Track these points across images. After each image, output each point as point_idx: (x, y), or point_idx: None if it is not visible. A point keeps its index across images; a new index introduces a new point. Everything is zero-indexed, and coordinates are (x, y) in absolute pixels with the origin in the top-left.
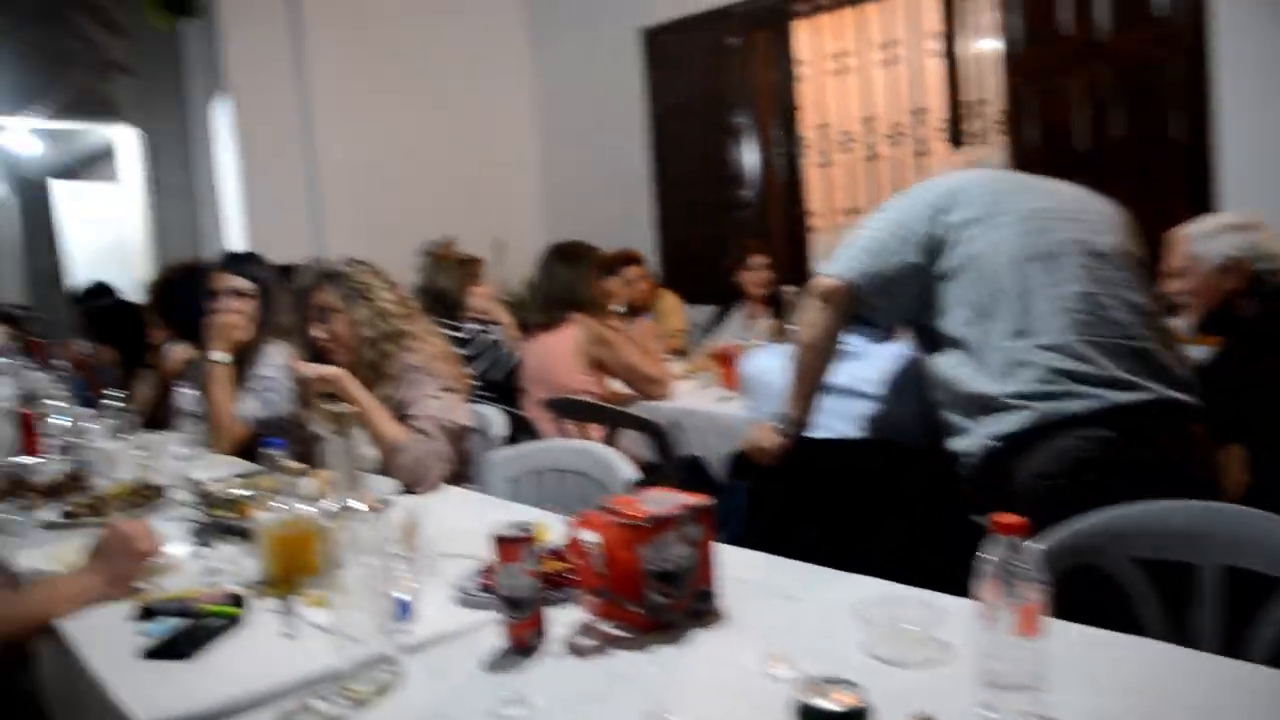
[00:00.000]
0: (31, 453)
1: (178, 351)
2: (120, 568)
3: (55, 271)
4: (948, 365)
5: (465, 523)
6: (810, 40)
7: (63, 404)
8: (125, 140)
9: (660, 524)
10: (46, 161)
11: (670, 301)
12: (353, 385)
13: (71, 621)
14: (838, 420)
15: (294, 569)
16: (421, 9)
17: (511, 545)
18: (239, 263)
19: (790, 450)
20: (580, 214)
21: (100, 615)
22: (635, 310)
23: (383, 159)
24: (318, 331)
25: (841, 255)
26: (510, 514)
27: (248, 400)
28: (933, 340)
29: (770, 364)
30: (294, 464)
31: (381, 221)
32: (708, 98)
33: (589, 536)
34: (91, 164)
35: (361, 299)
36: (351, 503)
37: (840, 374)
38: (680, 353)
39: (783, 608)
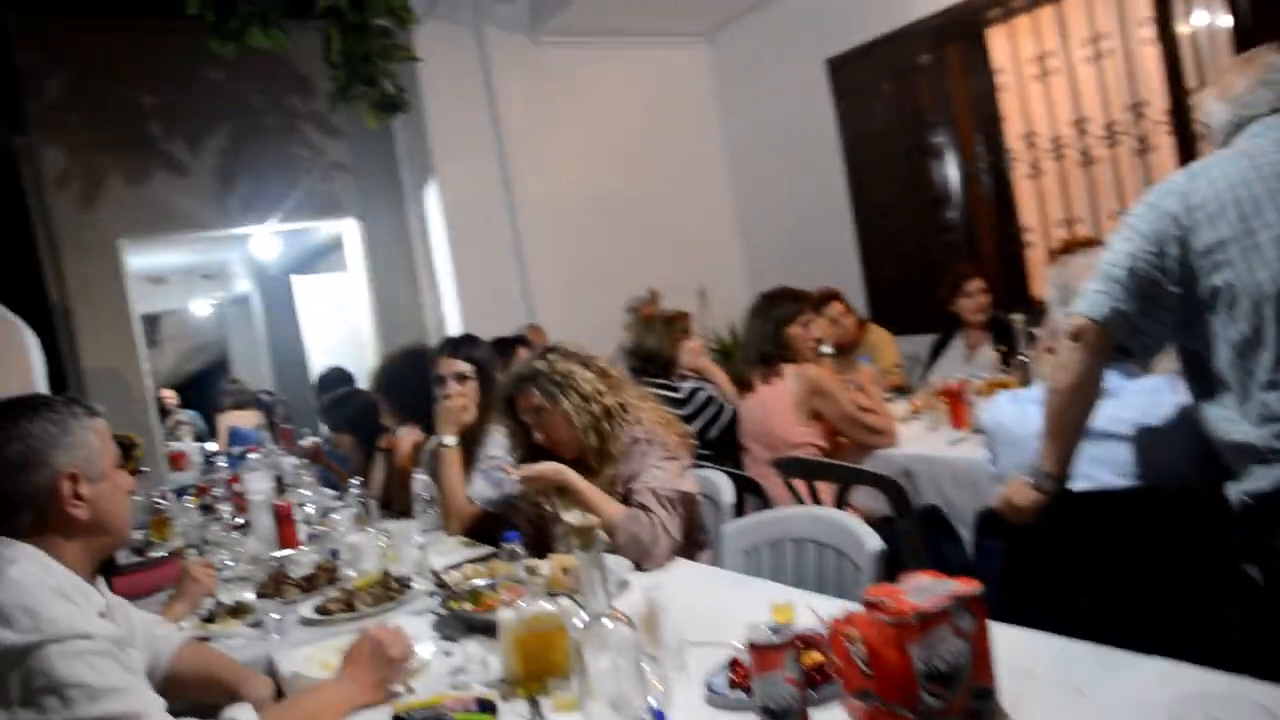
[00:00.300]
0: (289, 545)
1: (406, 436)
2: (376, 674)
3: (299, 360)
4: (1210, 406)
5: (704, 600)
6: (1007, 46)
7: (310, 493)
8: (350, 232)
9: (930, 619)
10: (285, 259)
11: (880, 336)
12: (570, 476)
13: None
14: (1095, 468)
15: (540, 669)
16: (609, 69)
17: (770, 653)
18: (458, 346)
19: (1047, 506)
20: (780, 253)
21: None
22: (843, 349)
23: (581, 220)
24: (538, 436)
25: (1089, 290)
26: (750, 591)
27: (477, 481)
28: (1201, 373)
29: (1014, 411)
30: (534, 560)
31: (586, 281)
32: (902, 120)
33: (850, 633)
34: (324, 258)
35: (564, 390)
36: (604, 620)
37: (1096, 416)
38: (900, 389)
39: (1076, 705)
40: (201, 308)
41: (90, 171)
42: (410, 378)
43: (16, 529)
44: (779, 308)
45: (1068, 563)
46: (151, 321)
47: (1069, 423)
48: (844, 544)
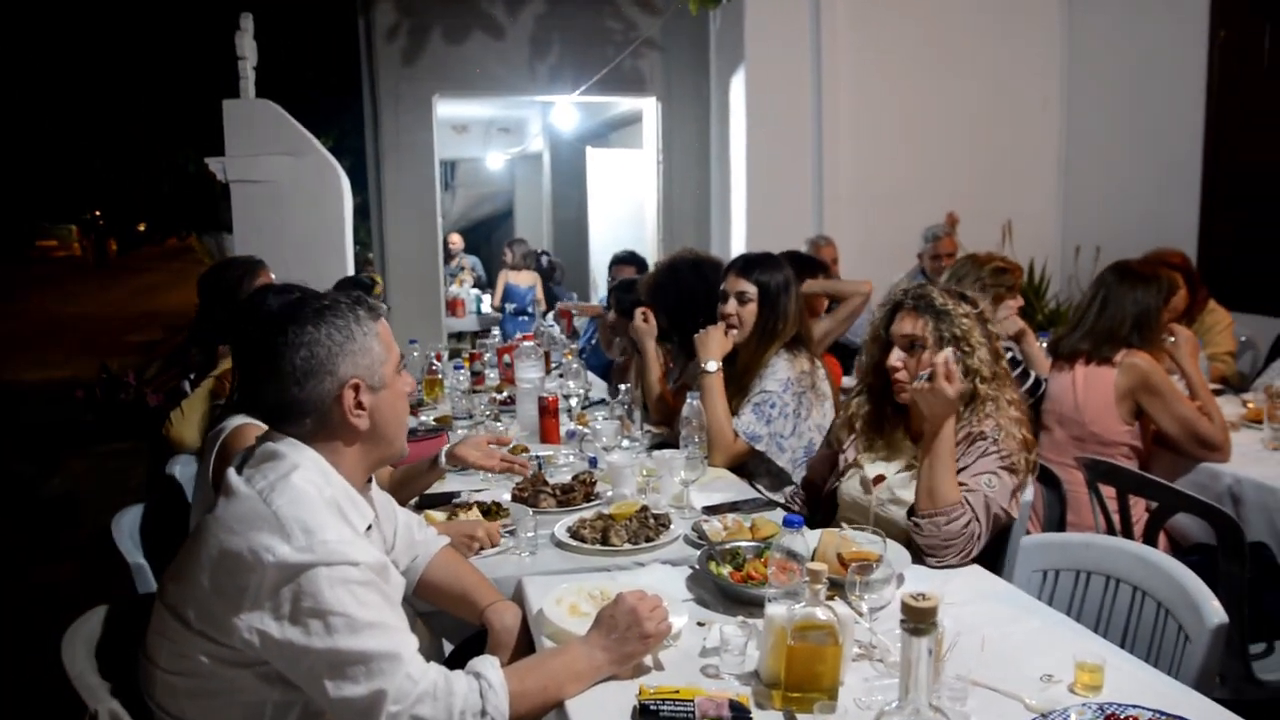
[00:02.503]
0: (551, 439)
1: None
2: (627, 648)
3: (580, 228)
4: None
5: (992, 627)
6: None
7: (575, 385)
8: (650, 111)
9: None
10: (580, 128)
11: (1218, 318)
12: (947, 445)
13: (577, 709)
14: None
15: (804, 682)
16: None
17: None
18: (750, 265)
19: None
20: (1103, 198)
21: (602, 703)
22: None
23: (890, 131)
24: (895, 362)
25: None
26: (1046, 625)
27: (746, 413)
28: None
29: None
30: (816, 565)
31: (883, 198)
32: None
33: None
34: (617, 131)
35: (956, 346)
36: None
37: None
38: (1226, 383)
39: None
40: (495, 160)
41: (415, 27)
42: (685, 286)
43: (301, 433)
44: (1144, 283)
45: None
46: (449, 167)
47: None
48: (1175, 603)
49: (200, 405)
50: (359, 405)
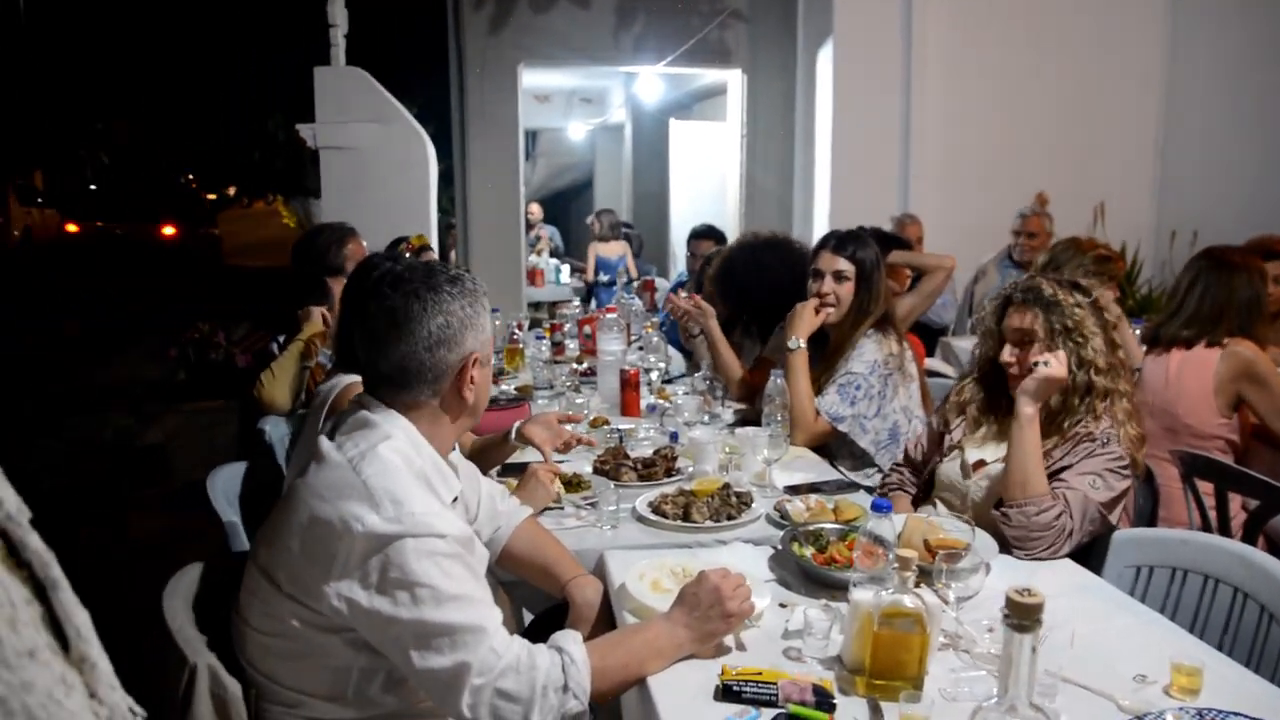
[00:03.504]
0: (631, 412)
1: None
2: (709, 626)
3: (660, 200)
4: None
5: (1083, 625)
6: None
7: (657, 358)
8: (735, 84)
9: None
10: (663, 99)
11: None
12: (1033, 433)
13: (659, 686)
14: None
15: (889, 670)
16: None
17: None
18: (846, 242)
19: None
20: (1202, 182)
21: (684, 681)
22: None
23: (980, 108)
24: (1009, 357)
25: None
26: (1141, 624)
27: (830, 394)
28: None
29: None
30: (906, 551)
31: (972, 175)
32: None
33: None
34: (700, 104)
35: (1069, 337)
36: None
37: None
38: None
39: None
40: (577, 130)
41: None
42: (760, 266)
43: (406, 401)
44: (1254, 274)
45: None
46: (531, 136)
47: None
48: (1279, 607)
49: (291, 367)
50: (472, 380)
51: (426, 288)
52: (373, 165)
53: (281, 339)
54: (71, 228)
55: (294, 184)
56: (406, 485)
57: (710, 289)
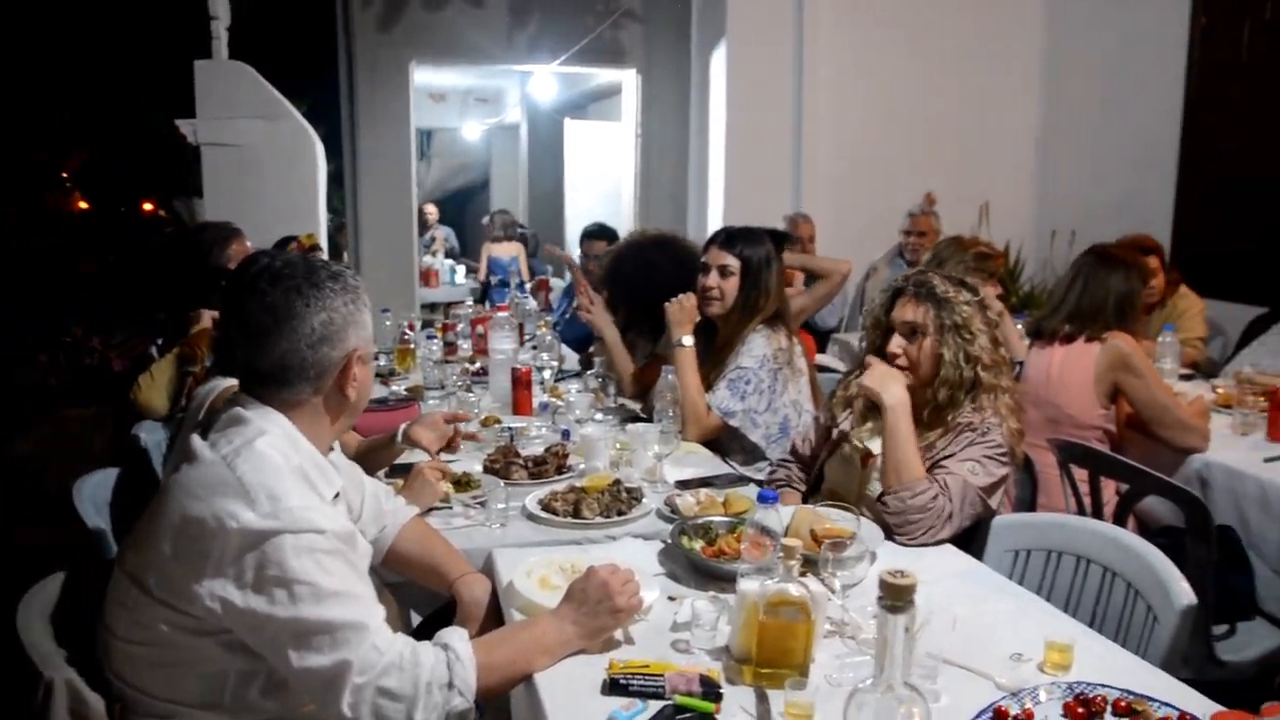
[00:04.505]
0: (523, 411)
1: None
2: (597, 621)
3: (556, 200)
4: None
5: (964, 608)
6: None
7: (549, 357)
8: (629, 84)
9: None
10: (558, 99)
11: (1190, 303)
12: (904, 419)
13: (546, 682)
14: None
15: (775, 658)
16: None
17: None
18: (734, 239)
19: None
20: (1080, 182)
21: (572, 676)
22: (1146, 309)
23: (870, 110)
24: (895, 348)
25: None
26: (1020, 606)
27: (720, 389)
28: None
29: None
30: (790, 541)
31: (862, 175)
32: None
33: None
34: (595, 104)
35: (957, 333)
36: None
37: None
38: (1197, 367)
39: None
40: (473, 130)
41: None
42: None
43: (285, 399)
44: (1133, 271)
45: None
46: (426, 136)
47: None
48: (1144, 584)
49: (169, 370)
50: (354, 377)
51: (309, 284)
52: (259, 164)
53: (160, 342)
54: None
55: (175, 184)
56: (283, 481)
57: (602, 289)
